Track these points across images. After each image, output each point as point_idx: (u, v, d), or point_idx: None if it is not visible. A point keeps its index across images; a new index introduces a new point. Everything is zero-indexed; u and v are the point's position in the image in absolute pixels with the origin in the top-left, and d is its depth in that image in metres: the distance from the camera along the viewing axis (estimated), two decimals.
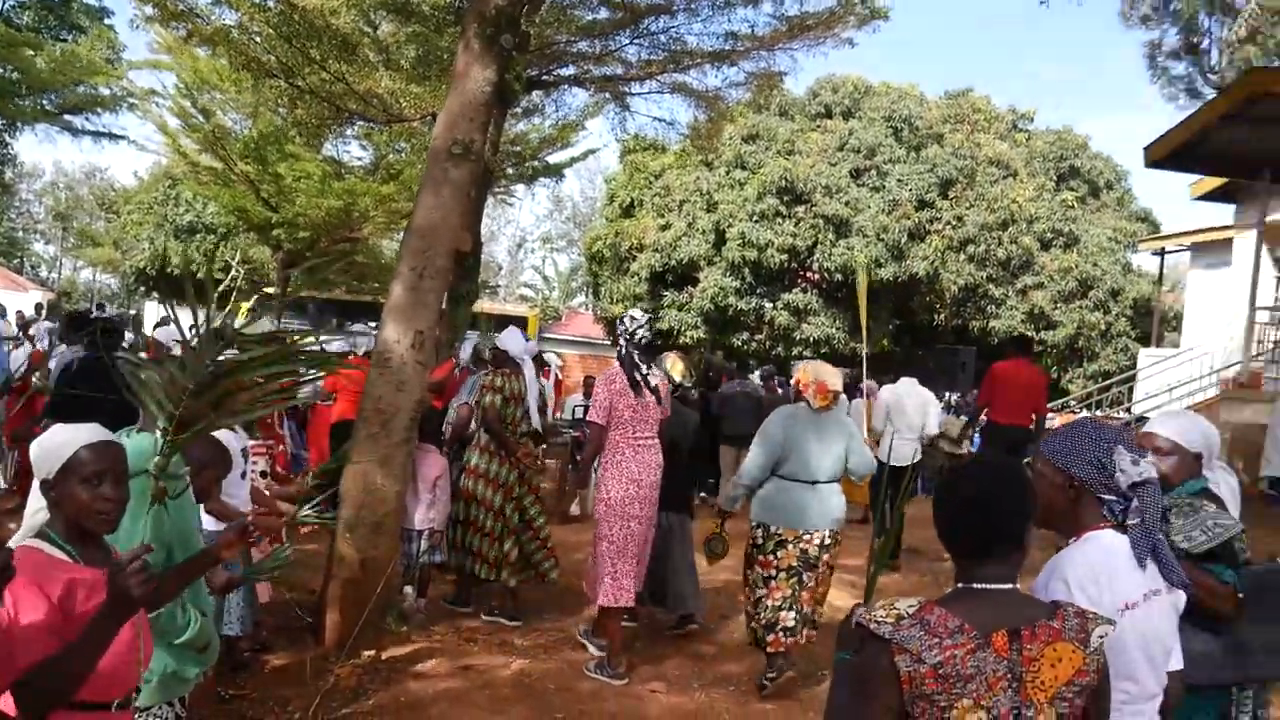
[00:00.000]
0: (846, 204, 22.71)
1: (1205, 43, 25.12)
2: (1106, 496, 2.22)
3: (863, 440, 5.59)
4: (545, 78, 10.87)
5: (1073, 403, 19.07)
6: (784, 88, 15.79)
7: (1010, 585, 1.88)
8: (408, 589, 6.13)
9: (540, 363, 10.92)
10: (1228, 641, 2.76)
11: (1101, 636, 1.83)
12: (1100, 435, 2.26)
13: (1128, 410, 17.68)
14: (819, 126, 24.99)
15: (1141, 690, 2.19)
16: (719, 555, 5.70)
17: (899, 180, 23.27)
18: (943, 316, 24.05)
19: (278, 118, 12.84)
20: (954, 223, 23.31)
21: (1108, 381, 18.98)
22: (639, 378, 5.36)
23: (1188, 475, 2.95)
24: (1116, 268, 24.22)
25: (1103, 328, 23.71)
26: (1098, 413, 17.76)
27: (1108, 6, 23.95)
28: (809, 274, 22.88)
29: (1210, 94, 20.91)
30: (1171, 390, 16.02)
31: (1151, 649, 2.19)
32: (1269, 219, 12.61)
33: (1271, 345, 13.32)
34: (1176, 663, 2.32)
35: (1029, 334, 22.77)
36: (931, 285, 23.27)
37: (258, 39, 9.62)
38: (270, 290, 18.71)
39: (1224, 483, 3.22)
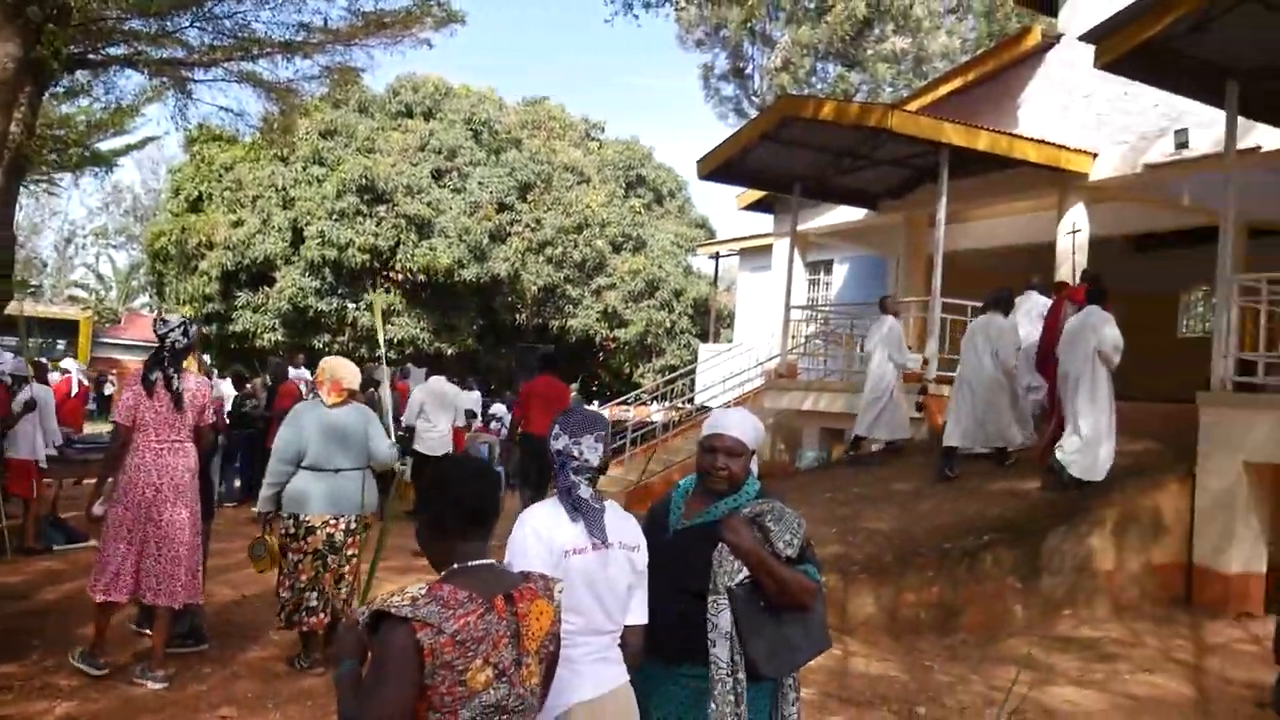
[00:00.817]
0: (428, 204, 22.77)
1: (750, 68, 28.08)
2: (555, 465, 2.69)
3: (383, 431, 5.98)
4: (92, 56, 9.81)
5: (644, 395, 20.35)
6: (363, 84, 15.51)
7: (491, 561, 2.18)
8: None
9: (41, 369, 9.91)
10: (796, 632, 2.88)
11: (560, 592, 2.22)
12: (558, 418, 2.74)
13: (690, 401, 19.24)
14: (400, 125, 24.84)
15: (589, 624, 2.57)
16: (263, 559, 5.60)
17: (480, 182, 23.71)
18: (524, 316, 24.83)
19: None
20: (533, 225, 24.16)
21: (673, 375, 20.46)
22: (156, 379, 5.35)
23: (748, 472, 3.07)
24: (679, 270, 26.43)
25: (668, 325, 25.78)
26: (665, 403, 19.11)
27: (669, 30, 25.95)
28: (392, 274, 22.64)
29: (755, 115, 23.34)
30: (725, 381, 17.55)
31: (599, 590, 2.59)
32: (800, 228, 14.36)
33: (804, 340, 15.01)
34: (636, 618, 2.72)
35: (599, 337, 24.16)
36: (513, 285, 23.96)
37: None
38: None
39: (752, 468, 3.53)
